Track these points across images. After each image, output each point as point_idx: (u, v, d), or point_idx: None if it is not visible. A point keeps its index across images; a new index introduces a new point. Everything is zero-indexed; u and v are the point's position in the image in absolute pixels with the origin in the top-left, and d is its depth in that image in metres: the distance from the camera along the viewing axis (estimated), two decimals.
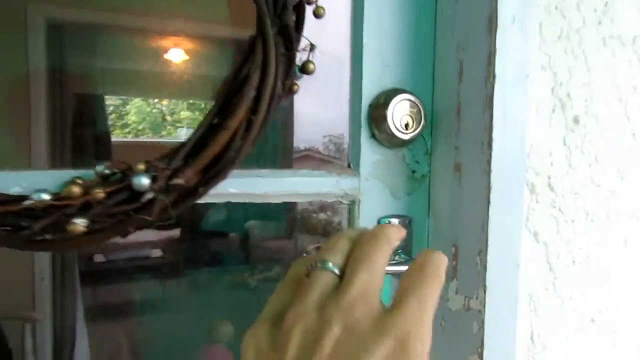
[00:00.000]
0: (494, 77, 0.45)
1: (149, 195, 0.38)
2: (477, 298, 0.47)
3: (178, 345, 2.52)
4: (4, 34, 2.06)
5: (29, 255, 2.17)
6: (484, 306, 0.47)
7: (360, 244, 0.24)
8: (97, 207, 0.36)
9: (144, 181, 0.37)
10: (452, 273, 0.51)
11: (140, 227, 0.39)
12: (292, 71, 0.44)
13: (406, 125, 0.50)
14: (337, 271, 0.24)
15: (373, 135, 0.52)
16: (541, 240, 0.51)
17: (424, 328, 0.21)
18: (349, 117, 0.52)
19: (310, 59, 0.46)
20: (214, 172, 0.41)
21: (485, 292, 0.46)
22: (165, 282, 3.33)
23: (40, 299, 2.23)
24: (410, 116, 0.50)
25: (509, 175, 0.46)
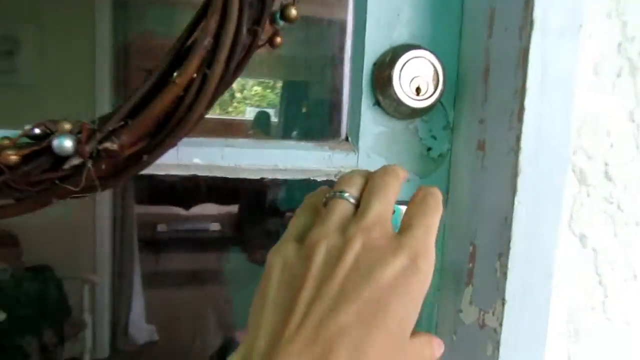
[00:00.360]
0: (531, 24, 0.34)
1: (76, 161, 0.31)
2: (493, 313, 0.37)
3: (228, 317, 2.57)
4: (73, 11, 2.14)
5: (91, 220, 2.29)
6: (501, 324, 0.36)
7: (373, 179, 0.28)
8: (10, 173, 0.30)
9: (66, 144, 0.31)
10: (467, 278, 0.41)
11: (64, 197, 0.33)
12: (264, 17, 0.35)
13: (417, 90, 0.40)
14: (353, 201, 0.27)
15: (377, 102, 0.42)
16: (590, 245, 0.39)
17: (430, 250, 0.24)
18: (349, 79, 0.43)
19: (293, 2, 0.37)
20: (161, 138, 0.34)
21: (503, 306, 0.36)
22: (221, 256, 3.41)
23: (101, 263, 2.35)
24: (423, 78, 0.40)
25: (547, 157, 0.35)
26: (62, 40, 2.10)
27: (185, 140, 0.38)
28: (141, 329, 2.53)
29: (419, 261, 0.23)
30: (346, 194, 0.27)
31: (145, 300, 2.58)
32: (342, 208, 0.26)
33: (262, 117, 3.44)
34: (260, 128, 3.35)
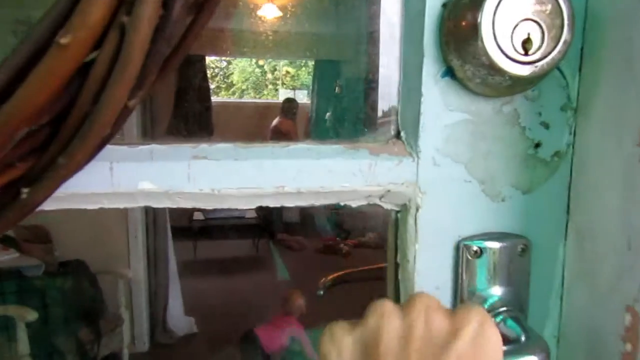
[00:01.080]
0: None
1: None
2: None
3: (262, 304, 2.48)
4: None
5: (123, 213, 2.22)
6: None
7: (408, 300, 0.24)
8: None
9: None
10: None
11: None
12: None
13: (525, 44, 0.22)
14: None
15: (450, 71, 0.25)
16: None
17: (492, 321, 0.22)
18: (400, 34, 0.26)
19: None
20: (51, 155, 0.18)
21: None
22: (256, 244, 3.33)
23: (135, 255, 2.29)
24: (536, 25, 0.22)
25: None
26: None
27: (124, 151, 0.23)
28: (180, 321, 2.48)
29: (487, 326, 0.22)
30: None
31: (182, 291, 2.53)
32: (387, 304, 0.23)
33: (288, 104, 3.29)
34: (288, 116, 3.19)
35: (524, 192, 0.27)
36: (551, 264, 0.27)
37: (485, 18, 0.22)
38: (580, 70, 0.26)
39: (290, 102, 3.37)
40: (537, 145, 0.26)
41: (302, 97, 4.24)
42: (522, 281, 0.27)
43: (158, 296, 2.43)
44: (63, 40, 0.16)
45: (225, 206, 0.24)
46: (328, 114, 3.24)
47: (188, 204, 0.23)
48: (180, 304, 2.54)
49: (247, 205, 0.24)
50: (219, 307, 2.68)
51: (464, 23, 0.23)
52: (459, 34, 0.23)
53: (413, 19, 0.25)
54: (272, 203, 0.24)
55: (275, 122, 3.26)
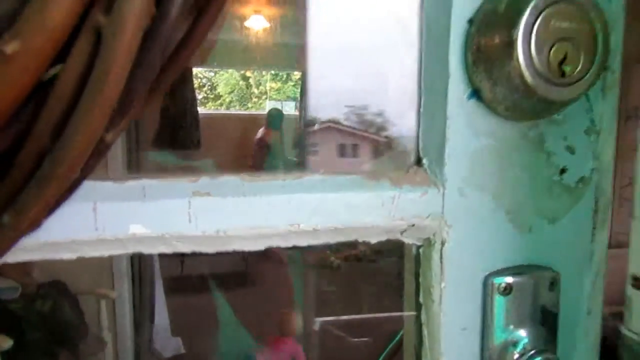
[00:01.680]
0: None
1: None
2: None
3: (251, 323, 2.42)
4: None
5: None
6: None
7: None
8: None
9: None
10: None
11: None
12: None
13: (562, 65, 0.20)
14: None
15: (476, 93, 0.23)
16: None
17: None
18: (420, 51, 0.24)
19: None
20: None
21: None
22: (246, 258, 3.26)
23: (119, 273, 2.22)
24: (573, 44, 0.20)
25: None
26: None
27: (109, 187, 0.20)
28: (166, 342, 2.40)
29: None
30: None
31: (169, 310, 2.45)
32: None
33: (273, 115, 3.24)
34: (273, 127, 3.14)
35: (549, 222, 0.25)
36: (578, 297, 0.25)
37: (522, 36, 0.20)
38: (603, 89, 0.24)
39: (275, 112, 3.34)
40: (563, 171, 0.24)
41: (289, 109, 4.21)
42: (552, 317, 0.25)
43: (143, 316, 2.36)
44: (9, 48, 0.13)
45: (230, 249, 0.21)
46: (316, 125, 3.22)
47: (188, 248, 0.21)
48: (167, 324, 2.46)
49: (256, 246, 0.21)
50: (208, 326, 2.61)
51: (496, 40, 0.21)
52: (490, 52, 0.21)
53: (437, 37, 0.22)
54: (283, 243, 0.21)
55: (260, 133, 3.22)
